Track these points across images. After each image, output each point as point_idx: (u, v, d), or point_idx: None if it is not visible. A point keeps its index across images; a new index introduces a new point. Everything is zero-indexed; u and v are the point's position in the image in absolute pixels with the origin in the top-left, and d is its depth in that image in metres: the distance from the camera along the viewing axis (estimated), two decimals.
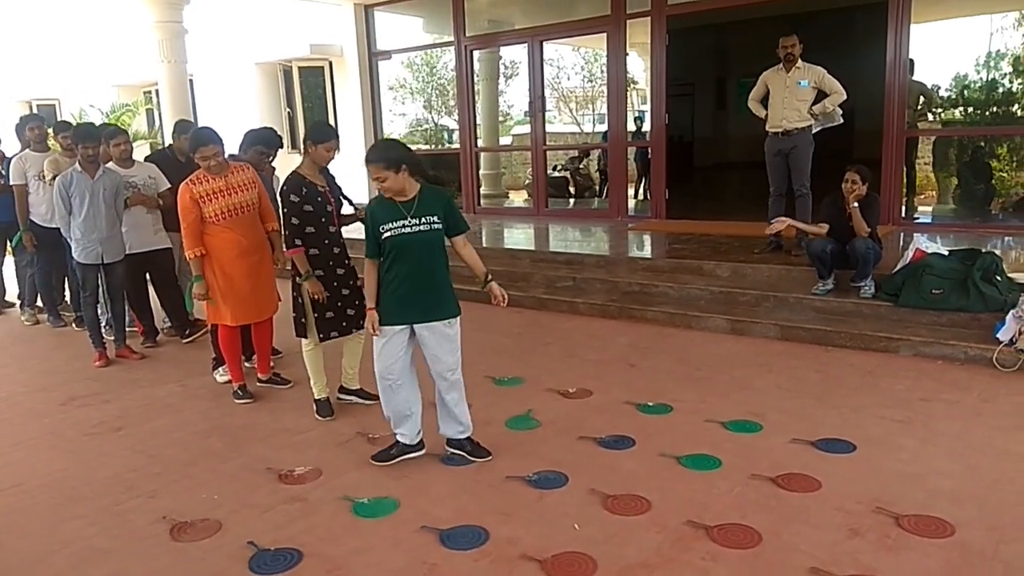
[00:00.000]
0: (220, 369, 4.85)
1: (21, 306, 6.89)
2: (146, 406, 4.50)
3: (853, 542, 2.72)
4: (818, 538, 2.75)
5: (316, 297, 3.92)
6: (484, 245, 8.27)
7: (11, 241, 6.49)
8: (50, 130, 6.51)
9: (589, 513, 3.01)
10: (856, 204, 5.15)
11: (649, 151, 10.57)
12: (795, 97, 5.97)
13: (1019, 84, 9.45)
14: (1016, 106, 9.50)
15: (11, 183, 6.11)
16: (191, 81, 10.41)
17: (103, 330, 5.61)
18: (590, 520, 2.95)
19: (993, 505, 2.93)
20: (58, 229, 5.96)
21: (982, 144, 9.28)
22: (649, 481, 3.25)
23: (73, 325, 6.40)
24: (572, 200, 12.27)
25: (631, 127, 10.52)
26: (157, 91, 12.48)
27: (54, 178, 5.89)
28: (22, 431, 4.21)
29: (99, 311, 5.63)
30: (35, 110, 15.41)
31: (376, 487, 3.30)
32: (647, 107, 15.29)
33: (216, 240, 4.27)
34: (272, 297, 4.58)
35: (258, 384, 4.68)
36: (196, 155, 4.19)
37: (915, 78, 7.66)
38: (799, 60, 5.98)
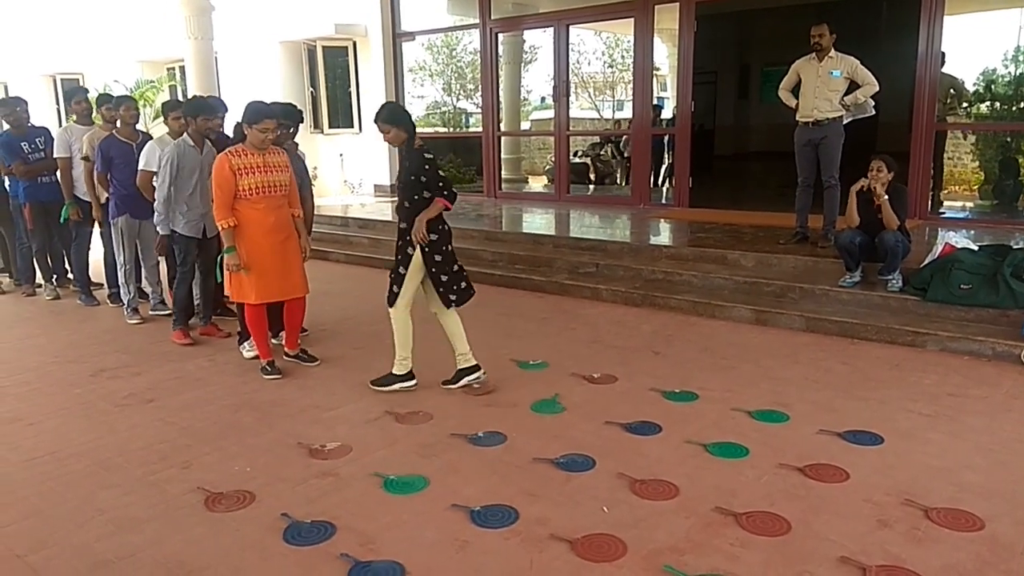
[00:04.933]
0: (246, 344, 4.89)
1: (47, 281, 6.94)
2: (176, 379, 4.55)
3: (882, 533, 2.73)
4: (847, 528, 2.76)
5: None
6: (505, 229, 8.28)
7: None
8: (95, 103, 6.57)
9: (617, 497, 3.03)
10: (886, 196, 5.12)
11: (665, 138, 10.61)
12: (827, 87, 5.93)
13: None
14: None
15: (56, 155, 6.16)
16: (215, 58, 10.45)
17: (133, 301, 5.71)
18: (618, 503, 2.97)
19: (1022, 500, 2.93)
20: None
21: (1009, 139, 9.19)
22: (676, 467, 3.27)
23: (108, 302, 6.47)
24: (592, 186, 12.24)
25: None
26: (181, 67, 12.56)
27: (85, 158, 5.96)
28: (54, 401, 4.28)
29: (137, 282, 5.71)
30: (59, 85, 15.52)
31: (406, 465, 3.34)
32: (667, 94, 15.27)
33: (245, 216, 4.31)
34: (301, 278, 4.60)
35: (284, 359, 4.72)
36: (256, 127, 4.21)
37: (945, 71, 7.57)
38: (832, 50, 5.92)
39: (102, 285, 6.62)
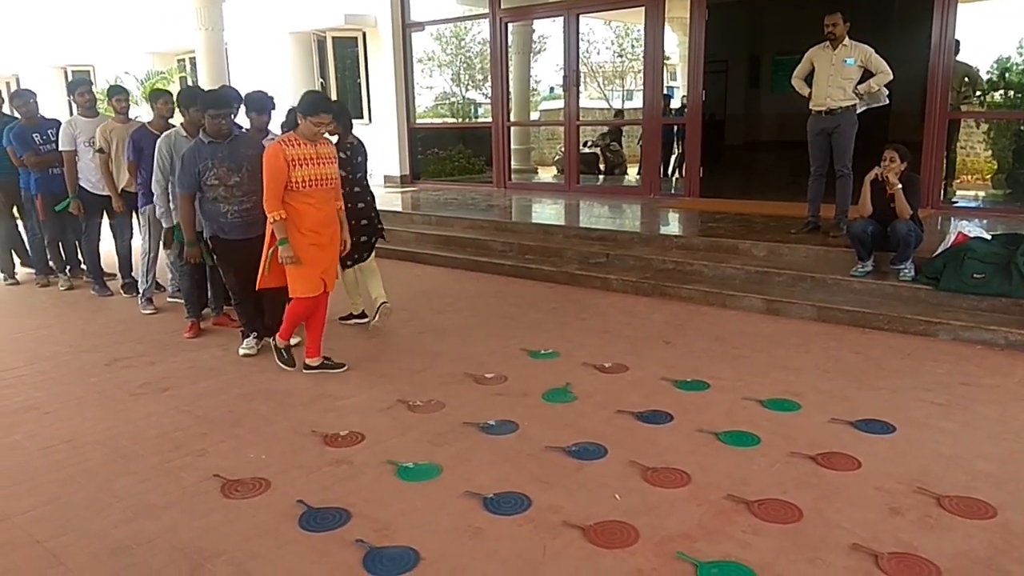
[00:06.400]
0: (246, 342, 4.83)
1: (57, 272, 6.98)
2: (190, 368, 4.59)
3: (894, 521, 2.74)
4: (859, 516, 2.77)
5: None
6: (515, 220, 8.29)
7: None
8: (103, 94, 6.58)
9: (629, 484, 3.05)
10: (899, 185, 5.10)
11: (675, 128, 10.57)
12: (840, 75, 5.89)
13: None
14: None
15: (60, 148, 6.19)
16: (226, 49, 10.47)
17: (148, 291, 5.79)
18: (630, 491, 2.99)
19: None
20: (108, 196, 6.10)
21: (1023, 128, 9.11)
22: (688, 456, 3.28)
23: (121, 292, 6.52)
24: (602, 176, 12.22)
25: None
26: (191, 59, 12.59)
27: (100, 150, 5.97)
28: (69, 390, 4.32)
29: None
30: (70, 76, 15.59)
31: (419, 452, 3.36)
32: (677, 83, 15.21)
33: (296, 209, 4.14)
34: (335, 273, 4.52)
35: (305, 372, 4.45)
36: (312, 118, 4.08)
37: (959, 59, 7.51)
38: (846, 38, 5.88)
39: (115, 275, 6.67)
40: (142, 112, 11.60)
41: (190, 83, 13.08)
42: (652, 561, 2.52)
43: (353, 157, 4.99)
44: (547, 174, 13.05)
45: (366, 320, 5.32)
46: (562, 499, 2.94)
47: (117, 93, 6.19)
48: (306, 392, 4.16)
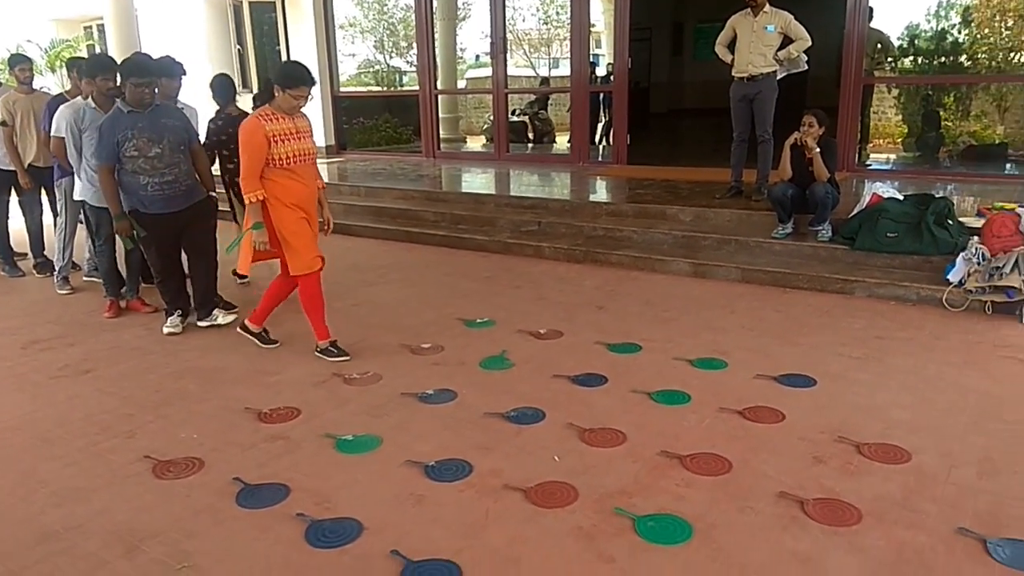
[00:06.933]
0: (170, 320, 4.68)
1: None
2: (113, 349, 4.43)
3: (817, 468, 2.88)
4: (785, 465, 2.91)
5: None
6: (446, 189, 8.23)
7: None
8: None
9: (567, 446, 3.11)
10: (818, 149, 5.28)
11: (601, 96, 10.64)
12: (761, 42, 6.02)
13: (966, 35, 9.69)
14: (963, 56, 9.74)
15: None
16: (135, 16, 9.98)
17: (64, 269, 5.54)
18: (568, 452, 3.05)
19: (946, 434, 3.12)
20: (14, 171, 5.77)
21: (930, 93, 9.54)
22: (623, 416, 3.36)
23: (34, 272, 6.20)
24: (531, 145, 12.23)
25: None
26: (99, 25, 11.97)
27: (2, 123, 5.64)
28: None
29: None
30: None
31: (357, 425, 3.35)
32: (602, 51, 15.26)
33: (281, 186, 3.90)
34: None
35: (316, 354, 4.22)
36: (291, 91, 3.79)
37: (873, 26, 7.77)
38: (767, 5, 6.01)
39: (26, 255, 6.35)
40: (48, 83, 11.00)
41: (98, 51, 12.43)
42: (592, 518, 2.59)
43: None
44: (476, 143, 12.99)
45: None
46: (502, 463, 2.98)
47: (20, 62, 5.85)
48: (237, 369, 4.07)
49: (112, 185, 4.34)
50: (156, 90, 4.43)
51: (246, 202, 3.91)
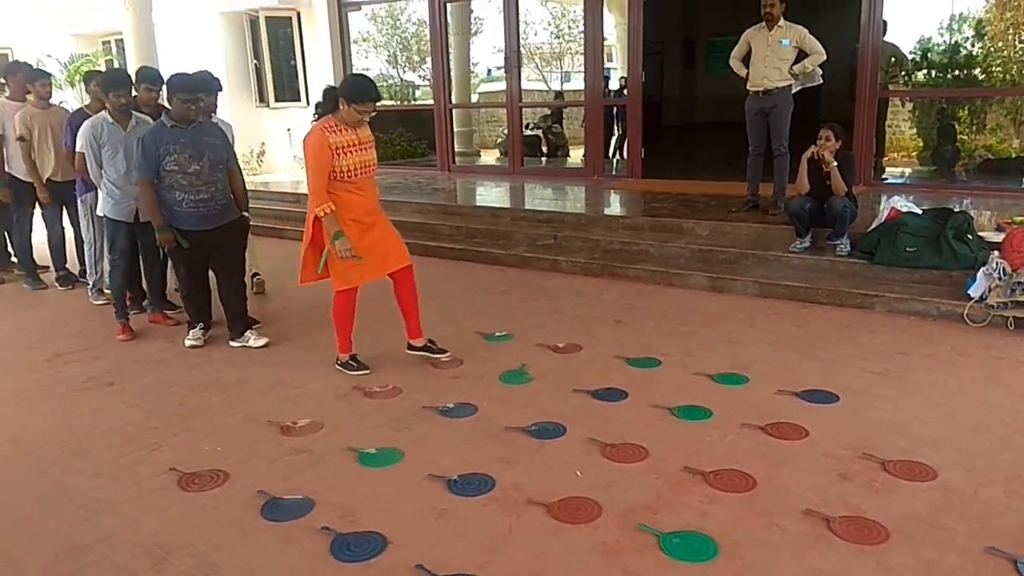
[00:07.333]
0: (192, 333, 4.71)
1: None
2: (136, 362, 4.47)
3: (842, 486, 2.87)
4: (809, 482, 2.90)
5: None
6: (461, 203, 8.27)
7: None
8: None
9: (589, 461, 3.11)
10: (835, 163, 5.28)
11: (614, 110, 10.67)
12: (776, 56, 6.04)
13: (979, 48, 9.68)
14: (978, 69, 9.72)
15: None
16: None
17: (99, 281, 5.62)
18: (590, 467, 3.05)
19: (971, 450, 3.11)
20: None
21: (945, 106, 9.52)
22: (644, 431, 3.36)
23: (56, 285, 6.27)
24: (545, 159, 12.27)
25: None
26: (118, 40, 12.11)
27: (20, 138, 5.72)
28: (8, 387, 4.17)
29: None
30: None
31: (379, 438, 3.36)
32: (614, 65, 15.30)
33: (344, 199, 3.89)
34: (402, 246, 4.27)
35: (406, 352, 4.35)
36: (357, 106, 3.77)
37: (887, 39, 7.78)
38: (781, 19, 6.03)
39: (48, 268, 6.42)
40: (66, 97, 11.12)
41: (116, 66, 12.58)
42: (616, 534, 2.59)
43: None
44: (490, 157, 13.03)
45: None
46: (525, 478, 2.98)
47: (41, 77, 5.93)
48: (259, 382, 4.10)
49: (152, 197, 4.34)
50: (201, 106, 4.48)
51: (317, 214, 3.86)
